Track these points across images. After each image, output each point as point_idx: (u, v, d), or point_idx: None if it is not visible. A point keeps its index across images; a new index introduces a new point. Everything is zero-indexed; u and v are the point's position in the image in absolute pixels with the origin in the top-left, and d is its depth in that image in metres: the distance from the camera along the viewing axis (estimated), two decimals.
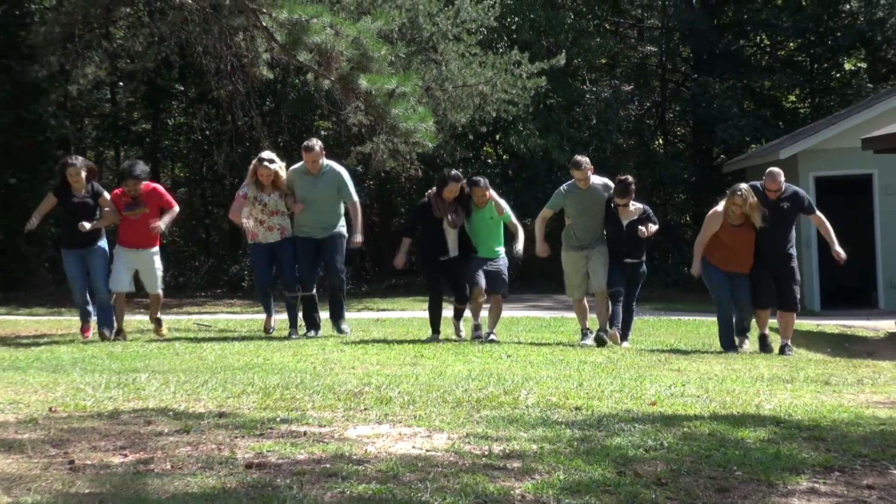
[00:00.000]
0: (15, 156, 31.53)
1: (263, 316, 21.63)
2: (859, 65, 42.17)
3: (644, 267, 16.82)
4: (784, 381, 11.90)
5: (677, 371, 13.05)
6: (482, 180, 16.66)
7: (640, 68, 41.78)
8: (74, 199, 16.70)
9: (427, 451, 7.28)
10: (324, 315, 17.98)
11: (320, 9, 19.11)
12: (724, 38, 41.06)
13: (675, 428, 8.54)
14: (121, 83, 35.47)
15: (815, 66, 42.55)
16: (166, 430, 8.28)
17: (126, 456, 7.38)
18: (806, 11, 40.71)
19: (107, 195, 16.82)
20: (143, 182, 16.69)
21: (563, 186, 16.84)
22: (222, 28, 24.69)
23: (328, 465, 7.05)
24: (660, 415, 9.16)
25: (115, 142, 37.38)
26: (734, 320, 16.00)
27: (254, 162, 16.64)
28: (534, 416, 8.66)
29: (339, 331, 17.00)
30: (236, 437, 8.03)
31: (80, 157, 17.62)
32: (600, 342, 16.02)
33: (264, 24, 19.33)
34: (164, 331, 17.51)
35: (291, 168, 16.65)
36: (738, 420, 8.95)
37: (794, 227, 16.06)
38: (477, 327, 16.84)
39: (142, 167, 17.09)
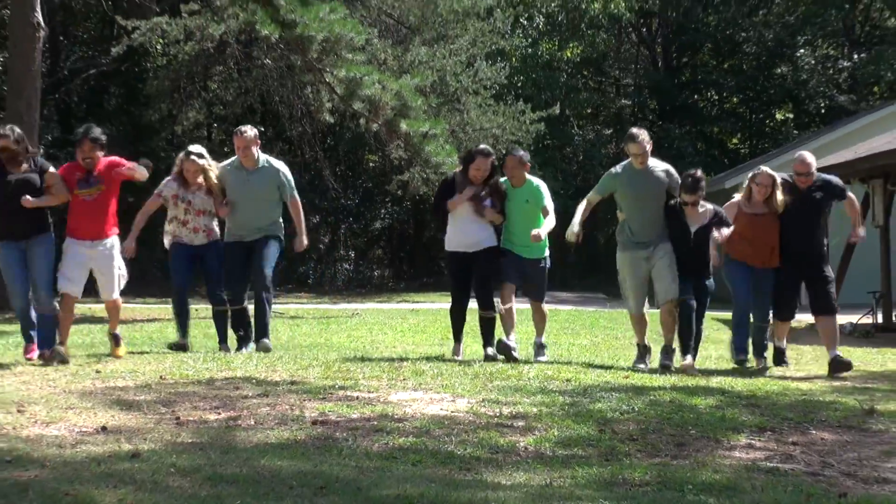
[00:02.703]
0: (133, 181, 30.91)
1: (322, 304, 21.56)
2: (788, 115, 42.17)
3: (711, 280, 11.03)
4: (727, 360, 11.96)
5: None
6: (520, 151, 11.31)
7: (617, 117, 41.83)
8: (10, 177, 10.23)
9: (451, 412, 7.33)
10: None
11: (371, 69, 19.37)
12: (683, 93, 41.08)
13: (644, 396, 8.57)
14: (215, 125, 35.32)
15: (753, 115, 42.49)
16: (250, 394, 8.30)
17: (220, 414, 7.43)
18: (746, 73, 40.83)
19: (54, 169, 10.44)
20: (103, 152, 10.44)
21: (615, 167, 11.14)
22: (295, 83, 25.18)
23: (375, 423, 7.07)
24: (631, 386, 9.16)
25: None
26: (751, 332, 11.10)
27: (179, 156, 11.57)
28: (534, 386, 8.64)
29: (261, 347, 11.31)
30: (304, 400, 8.03)
31: (13, 127, 10.89)
32: (665, 368, 10.57)
33: (327, 81, 19.71)
34: (122, 351, 10.91)
35: (223, 164, 11.57)
36: (692, 390, 8.97)
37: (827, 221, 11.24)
38: (507, 347, 10.66)
39: (100, 131, 10.76)
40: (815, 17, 40.70)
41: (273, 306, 12.20)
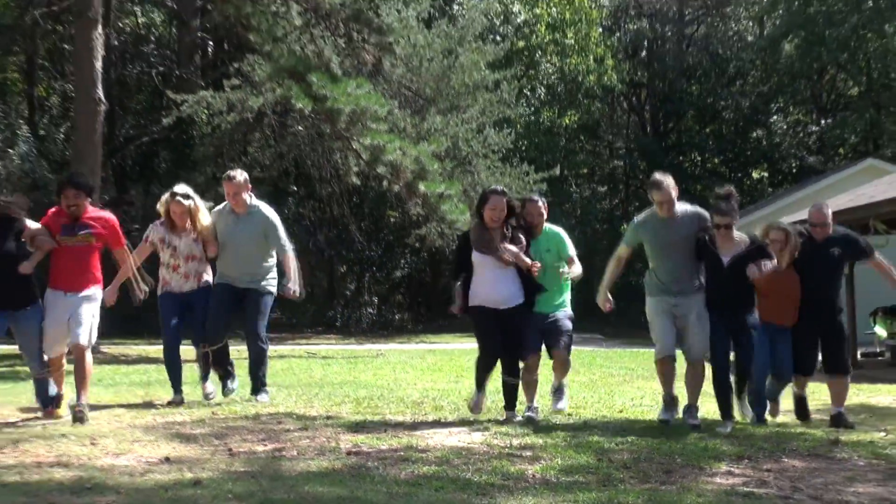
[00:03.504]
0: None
1: (349, 345, 21.63)
2: (763, 174, 42.23)
3: (755, 315, 8.92)
4: (711, 395, 12.04)
5: (638, 388, 12.98)
6: (538, 197, 9.32)
7: (610, 176, 42.00)
8: None
9: (468, 443, 7.43)
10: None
11: (392, 137, 19.45)
12: (669, 155, 40.99)
13: (635, 428, 8.73)
14: (250, 188, 35.27)
15: (732, 174, 41.93)
16: (292, 428, 8.44)
17: (266, 445, 7.55)
18: (725, 137, 41.02)
19: (30, 222, 8.77)
20: (88, 199, 9.01)
21: (639, 216, 9.32)
22: (325, 148, 25.14)
23: (402, 453, 7.23)
24: (625, 419, 9.35)
25: None
26: (767, 387, 9.30)
27: (164, 197, 9.81)
28: (540, 420, 8.78)
29: (256, 394, 10.06)
30: (339, 433, 8.18)
31: None
32: (695, 429, 8.56)
33: (354, 147, 19.77)
34: (62, 411, 8.85)
35: (217, 207, 10.10)
36: (678, 424, 9.08)
37: (843, 276, 9.87)
38: (532, 419, 8.86)
39: (87, 179, 9.62)
40: (786, 87, 41.02)
41: (275, 353, 11.16)
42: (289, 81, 18.91)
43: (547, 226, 9.10)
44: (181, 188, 9.58)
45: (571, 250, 9.10)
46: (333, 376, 14.65)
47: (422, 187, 19.36)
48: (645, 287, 9.09)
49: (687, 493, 6.18)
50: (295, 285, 9.79)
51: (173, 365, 9.89)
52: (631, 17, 42.90)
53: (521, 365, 9.01)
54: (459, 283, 9.08)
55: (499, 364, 9.03)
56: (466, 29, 29.89)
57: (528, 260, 8.62)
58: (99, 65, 18.59)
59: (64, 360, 8.94)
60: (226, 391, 10.03)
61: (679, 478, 6.68)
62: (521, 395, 9.22)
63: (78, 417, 8.23)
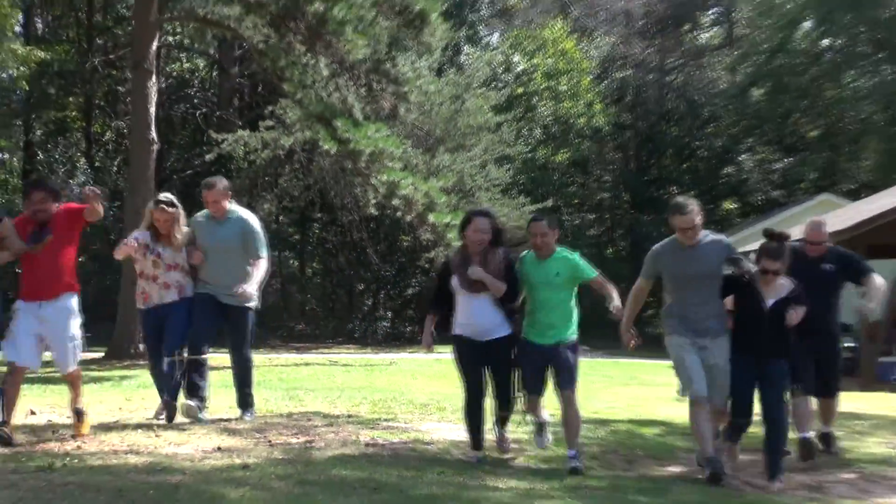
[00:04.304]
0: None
1: (366, 354, 21.10)
2: (732, 206, 42.20)
3: (787, 366, 6.90)
4: (673, 399, 12.41)
5: (614, 394, 13.13)
6: (543, 218, 7.30)
7: (598, 206, 41.94)
8: None
9: (465, 439, 7.47)
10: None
11: (406, 174, 19.51)
12: (650, 188, 40.77)
13: (606, 427, 9.05)
14: (281, 216, 35.59)
15: (705, 206, 40.59)
16: (319, 424, 8.75)
17: (299, 438, 7.82)
18: (699, 173, 40.84)
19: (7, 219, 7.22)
20: (56, 203, 7.26)
21: (657, 246, 7.42)
22: (346, 182, 25.16)
23: (411, 445, 7.59)
24: (598, 419, 9.53)
25: (280, 249, 37.77)
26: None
27: (148, 206, 8.63)
28: (526, 420, 8.17)
29: (244, 414, 8.76)
30: (359, 429, 8.49)
31: None
32: (715, 479, 6.54)
33: (372, 183, 19.56)
34: (85, 429, 7.61)
35: (193, 218, 8.69)
36: (642, 422, 9.47)
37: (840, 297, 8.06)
38: (541, 427, 7.57)
39: (54, 183, 7.55)
40: (754, 129, 40.78)
41: (315, 358, 9.86)
42: (317, 125, 19.01)
43: (559, 248, 7.18)
44: (166, 196, 8.36)
45: (591, 271, 7.17)
46: (353, 381, 14.78)
47: (431, 218, 19.42)
48: (664, 325, 7.16)
49: (643, 478, 6.73)
50: (249, 287, 8.18)
51: (161, 381, 8.44)
52: (617, 66, 42.77)
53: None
54: (430, 315, 7.66)
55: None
56: (472, 77, 30.11)
57: (499, 284, 6.96)
58: (152, 109, 18.81)
59: (20, 382, 7.31)
60: (201, 415, 8.28)
61: (638, 467, 7.18)
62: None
63: (80, 416, 7.51)
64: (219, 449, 7.09)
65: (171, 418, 8.22)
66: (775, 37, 39.32)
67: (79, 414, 7.60)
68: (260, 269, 8.38)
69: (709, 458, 6.66)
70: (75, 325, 7.31)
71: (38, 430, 7.88)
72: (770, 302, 6.77)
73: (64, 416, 8.69)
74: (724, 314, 6.98)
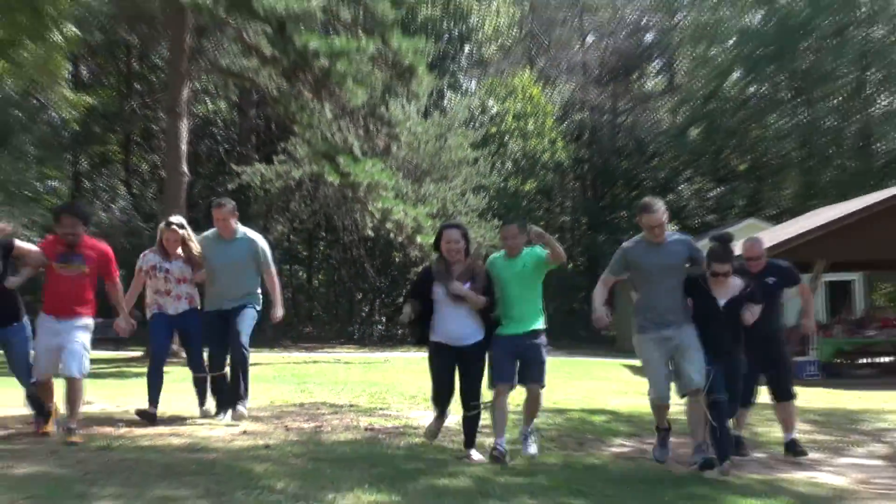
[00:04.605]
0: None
1: (364, 353, 20.81)
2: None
3: (741, 363, 6.47)
4: (621, 392, 12.55)
5: (572, 387, 13.14)
6: (514, 222, 6.90)
7: (560, 228, 41.47)
8: None
9: (446, 425, 7.18)
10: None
11: (398, 202, 19.66)
12: (604, 213, 40.83)
13: (563, 414, 9.18)
14: (292, 235, 35.68)
15: None
16: (326, 412, 8.89)
17: (310, 423, 7.98)
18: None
19: (22, 243, 6.96)
20: (85, 229, 6.88)
21: (626, 243, 6.77)
22: (347, 208, 25.13)
23: (402, 430, 7.72)
24: (557, 408, 9.64)
25: (290, 263, 37.76)
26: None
27: (160, 226, 7.97)
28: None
29: (236, 416, 7.71)
30: (359, 416, 8.64)
31: None
32: (708, 466, 6.11)
33: (369, 209, 19.83)
34: (49, 427, 6.89)
35: (203, 235, 8.08)
36: (593, 411, 9.59)
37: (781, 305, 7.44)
38: (500, 457, 6.33)
39: (86, 208, 8.12)
40: (691, 162, 41.09)
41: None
42: (322, 160, 19.14)
43: (526, 249, 6.64)
44: (176, 218, 7.89)
45: (545, 248, 6.53)
46: (353, 376, 14.78)
47: (419, 239, 19.63)
48: (634, 322, 6.57)
49: (590, 456, 6.89)
50: (279, 308, 7.91)
51: (155, 382, 7.74)
52: (576, 109, 42.86)
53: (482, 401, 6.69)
54: (412, 300, 6.75)
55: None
56: (453, 119, 30.05)
57: (479, 298, 6.45)
58: (184, 146, 18.87)
59: (52, 379, 6.98)
60: (236, 414, 7.75)
61: (587, 447, 7.33)
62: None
63: (70, 433, 6.50)
64: (244, 433, 7.21)
65: (151, 421, 7.54)
66: (709, 85, 39.68)
67: (48, 413, 6.86)
68: (276, 285, 7.92)
69: (663, 429, 6.64)
70: (86, 339, 6.77)
71: (95, 417, 7.98)
72: (722, 301, 6.28)
73: (114, 405, 8.90)
74: (687, 306, 6.38)
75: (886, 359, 17.59)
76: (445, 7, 36.02)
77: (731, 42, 38.34)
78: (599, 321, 6.59)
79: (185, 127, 19.11)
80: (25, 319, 6.84)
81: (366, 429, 7.79)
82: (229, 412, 7.78)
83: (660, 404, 6.48)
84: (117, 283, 7.06)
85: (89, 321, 6.84)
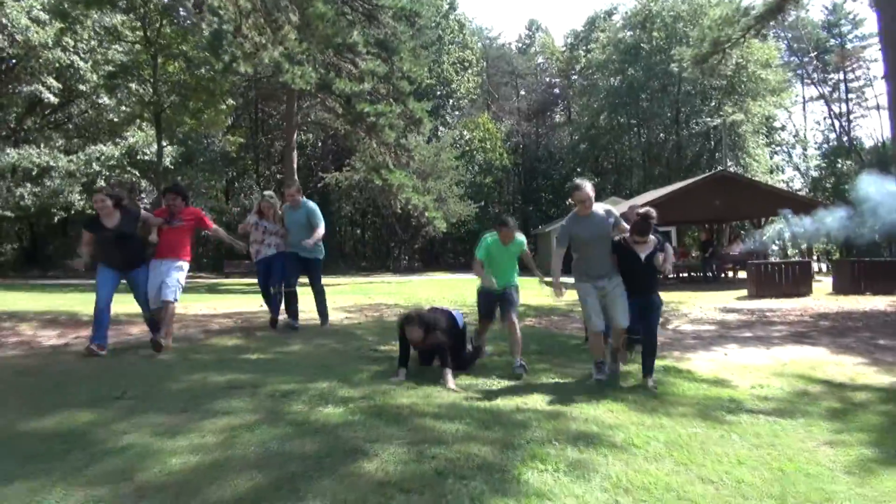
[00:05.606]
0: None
1: (395, 277, 19.45)
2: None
3: (658, 295, 5.07)
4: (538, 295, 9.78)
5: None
6: (510, 223, 5.43)
7: (505, 203, 40.60)
8: (106, 232, 5.54)
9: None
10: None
11: (414, 193, 18.85)
12: (532, 194, 38.98)
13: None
14: (353, 212, 34.45)
15: (557, 213, 38.81)
16: (383, 307, 8.21)
17: (377, 313, 7.57)
18: (559, 191, 38.53)
19: (146, 213, 5.92)
20: (184, 200, 6.02)
21: (565, 220, 5.12)
22: (385, 196, 22.26)
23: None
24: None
25: (351, 227, 36.84)
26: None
27: (258, 198, 7.86)
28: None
29: (323, 324, 7.25)
30: (400, 308, 7.91)
31: (105, 187, 7.56)
32: (599, 383, 5.00)
33: (398, 198, 19.11)
34: (170, 343, 5.74)
35: (283, 206, 7.16)
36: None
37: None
38: (477, 351, 5.45)
39: (183, 187, 6.38)
40: (580, 164, 39.70)
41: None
42: (372, 172, 19.06)
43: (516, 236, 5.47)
44: (269, 192, 7.09)
45: (525, 248, 5.62)
46: (391, 290, 13.07)
47: (427, 214, 19.61)
48: (573, 275, 5.21)
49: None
50: (311, 240, 6.73)
51: (269, 302, 7.03)
52: (515, 135, 42.00)
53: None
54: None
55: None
56: (445, 141, 29.93)
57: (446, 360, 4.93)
58: (294, 166, 18.61)
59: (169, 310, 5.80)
60: (295, 326, 6.91)
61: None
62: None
63: (156, 346, 5.52)
64: (346, 318, 7.04)
65: (273, 325, 6.97)
66: (590, 119, 38.94)
67: (156, 343, 5.53)
68: (318, 233, 6.82)
69: (598, 363, 5.10)
70: (181, 276, 5.82)
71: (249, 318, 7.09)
72: (643, 255, 5.05)
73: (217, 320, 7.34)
74: (614, 263, 5.11)
75: (682, 275, 17.37)
76: (438, 78, 35.78)
77: (602, 95, 38.17)
78: (559, 294, 5.07)
79: (294, 153, 19.10)
80: (145, 265, 5.83)
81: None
82: (298, 323, 6.95)
83: (596, 331, 5.03)
84: (214, 227, 6.16)
85: (184, 264, 5.88)
